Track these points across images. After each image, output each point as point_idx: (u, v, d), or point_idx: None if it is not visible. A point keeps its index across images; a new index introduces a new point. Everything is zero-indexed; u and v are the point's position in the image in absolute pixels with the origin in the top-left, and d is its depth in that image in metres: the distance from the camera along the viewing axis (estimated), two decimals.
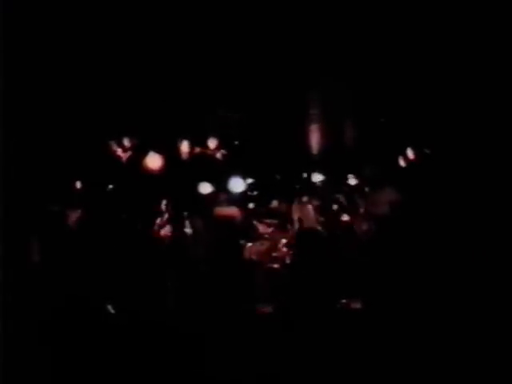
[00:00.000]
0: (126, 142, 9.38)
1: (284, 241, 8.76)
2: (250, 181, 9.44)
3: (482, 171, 8.64)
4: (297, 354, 6.02)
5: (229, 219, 8.56)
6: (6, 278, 6.21)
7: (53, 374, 5.54)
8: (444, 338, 6.09)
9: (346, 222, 9.06)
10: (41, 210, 7.92)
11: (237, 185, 9.08)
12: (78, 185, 8.75)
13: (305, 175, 10.34)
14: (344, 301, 7.46)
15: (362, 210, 9.17)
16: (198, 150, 9.65)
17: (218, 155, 9.74)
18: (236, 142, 10.29)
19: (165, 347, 6.05)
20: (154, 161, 9.03)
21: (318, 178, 10.01)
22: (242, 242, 8.47)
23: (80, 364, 5.71)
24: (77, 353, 5.87)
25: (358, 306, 7.32)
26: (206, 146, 9.73)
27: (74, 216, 8.19)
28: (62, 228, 7.96)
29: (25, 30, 8.26)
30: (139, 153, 9.21)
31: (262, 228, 8.77)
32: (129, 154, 9.36)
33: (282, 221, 8.93)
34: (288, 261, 8.47)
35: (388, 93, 10.70)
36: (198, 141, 9.67)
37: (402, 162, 9.67)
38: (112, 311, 6.68)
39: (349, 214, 9.15)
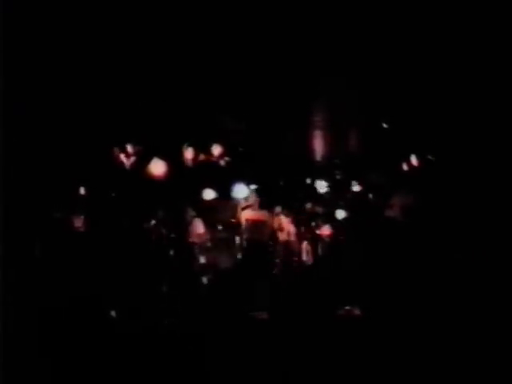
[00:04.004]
0: (131, 149, 9.40)
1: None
2: (253, 187, 9.42)
3: (486, 177, 8.62)
4: (297, 360, 5.99)
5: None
6: (8, 283, 6.22)
7: (53, 375, 5.54)
8: (445, 344, 6.06)
9: (349, 229, 9.07)
10: (44, 216, 7.95)
11: (240, 191, 9.08)
12: (82, 191, 8.79)
13: (308, 182, 10.33)
14: (347, 307, 7.46)
15: (366, 217, 9.17)
16: (202, 156, 9.67)
17: (222, 162, 9.75)
18: (240, 149, 10.29)
19: (165, 352, 6.04)
20: (158, 167, 9.05)
21: (321, 184, 10.00)
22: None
23: (80, 366, 5.70)
24: (77, 355, 5.87)
25: (358, 312, 7.31)
26: (210, 153, 9.74)
27: (77, 222, 8.23)
28: (65, 234, 7.99)
29: (26, 35, 8.30)
30: (143, 159, 9.23)
31: None
32: (133, 160, 9.38)
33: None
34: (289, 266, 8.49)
35: (392, 100, 10.68)
36: (203, 147, 9.68)
37: (406, 169, 9.64)
38: (114, 315, 6.70)
39: (352, 221, 9.15)
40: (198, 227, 8.63)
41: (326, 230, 8.86)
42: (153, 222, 8.48)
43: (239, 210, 8.86)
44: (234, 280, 7.79)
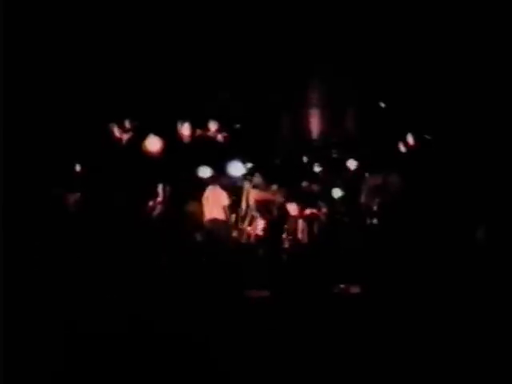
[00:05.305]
0: (127, 125, 9.36)
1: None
2: (249, 165, 9.38)
3: (483, 158, 8.65)
4: (294, 338, 6.02)
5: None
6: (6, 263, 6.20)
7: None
8: (441, 324, 6.10)
9: (345, 207, 9.08)
10: (42, 193, 7.92)
11: (236, 168, 9.05)
12: (78, 168, 8.75)
13: (305, 160, 10.32)
14: (343, 286, 7.49)
15: (361, 196, 9.19)
16: (198, 132, 9.63)
17: (218, 138, 9.73)
18: (237, 126, 10.26)
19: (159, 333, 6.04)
20: (153, 143, 9.02)
21: (318, 163, 9.99)
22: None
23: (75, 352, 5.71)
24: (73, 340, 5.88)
25: (356, 290, 7.35)
26: (206, 129, 9.72)
27: (73, 199, 8.21)
28: (62, 211, 7.97)
29: (22, 13, 8.21)
30: (139, 135, 9.19)
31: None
32: (129, 136, 9.34)
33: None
34: (286, 245, 8.50)
35: (389, 78, 10.67)
36: (199, 124, 9.65)
37: (402, 148, 9.65)
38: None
39: (348, 199, 9.16)
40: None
41: (322, 209, 8.86)
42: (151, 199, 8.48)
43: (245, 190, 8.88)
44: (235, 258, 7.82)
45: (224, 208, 8.56)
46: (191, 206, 8.61)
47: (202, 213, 8.60)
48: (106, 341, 5.78)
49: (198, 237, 8.36)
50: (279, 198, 8.82)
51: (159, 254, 7.73)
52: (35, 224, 7.47)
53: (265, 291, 7.30)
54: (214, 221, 8.52)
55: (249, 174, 9.11)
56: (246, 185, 9.01)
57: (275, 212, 8.67)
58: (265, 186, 8.95)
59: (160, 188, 8.59)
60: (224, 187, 8.69)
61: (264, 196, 8.82)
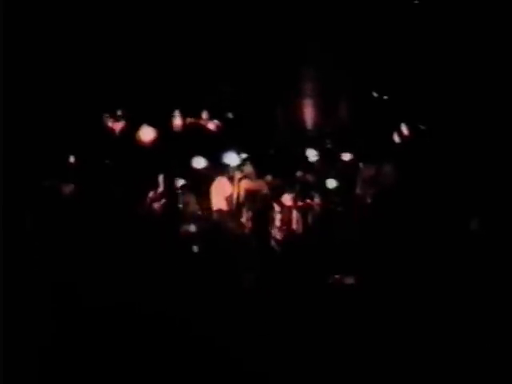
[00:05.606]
0: (120, 115, 9.34)
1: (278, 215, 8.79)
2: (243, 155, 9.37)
3: (477, 148, 8.67)
4: (288, 329, 6.03)
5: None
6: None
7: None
8: (437, 315, 6.12)
9: (340, 198, 9.08)
10: (35, 184, 7.90)
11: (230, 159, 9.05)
12: (72, 159, 8.73)
13: (299, 150, 10.31)
14: (337, 276, 7.50)
15: (356, 187, 9.20)
16: (191, 122, 9.63)
17: (212, 128, 9.73)
18: (230, 116, 10.25)
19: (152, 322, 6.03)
20: (147, 134, 9.01)
21: (312, 153, 9.99)
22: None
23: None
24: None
25: (351, 281, 7.35)
26: (199, 119, 9.72)
27: (67, 190, 8.18)
28: (56, 202, 7.94)
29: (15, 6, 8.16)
30: (133, 126, 9.18)
31: None
32: (122, 127, 9.33)
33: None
34: (279, 236, 8.51)
35: (383, 68, 10.67)
36: (192, 114, 9.64)
37: (396, 138, 9.67)
38: None
39: (343, 190, 9.17)
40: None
41: (316, 199, 8.86)
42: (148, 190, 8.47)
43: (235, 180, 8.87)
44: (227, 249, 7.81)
45: (227, 199, 8.59)
46: (190, 198, 8.61)
47: (203, 204, 8.62)
48: (106, 332, 5.78)
49: (197, 228, 8.34)
50: (267, 190, 8.80)
51: (157, 247, 7.71)
52: (31, 217, 7.44)
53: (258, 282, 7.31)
54: (219, 211, 8.55)
55: (241, 164, 9.10)
56: (237, 175, 9.00)
57: (262, 203, 8.64)
58: (254, 177, 8.93)
59: (159, 179, 8.58)
60: (229, 178, 8.73)
61: (253, 186, 8.81)
